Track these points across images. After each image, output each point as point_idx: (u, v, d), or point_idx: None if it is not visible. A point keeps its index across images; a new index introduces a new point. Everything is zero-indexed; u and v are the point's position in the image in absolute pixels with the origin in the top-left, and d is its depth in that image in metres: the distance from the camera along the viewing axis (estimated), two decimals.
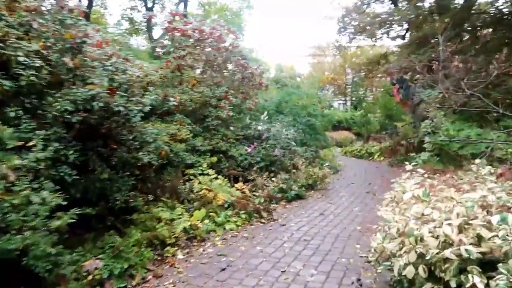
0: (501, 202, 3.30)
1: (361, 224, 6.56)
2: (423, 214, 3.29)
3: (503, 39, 10.87)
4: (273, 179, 8.67)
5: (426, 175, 4.83)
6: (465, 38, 12.81)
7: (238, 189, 7.08)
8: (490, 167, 5.74)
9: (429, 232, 2.99)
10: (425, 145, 8.44)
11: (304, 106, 14.83)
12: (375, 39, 25.06)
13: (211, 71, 9.72)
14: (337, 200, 8.51)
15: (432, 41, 11.36)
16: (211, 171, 7.06)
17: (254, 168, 8.64)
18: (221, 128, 8.83)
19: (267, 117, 11.65)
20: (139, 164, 5.02)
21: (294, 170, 9.57)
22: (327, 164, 12.56)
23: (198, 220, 5.60)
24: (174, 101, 6.94)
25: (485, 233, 2.79)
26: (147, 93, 5.52)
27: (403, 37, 21.35)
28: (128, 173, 4.90)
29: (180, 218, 5.35)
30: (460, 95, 7.90)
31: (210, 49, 9.44)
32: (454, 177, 5.65)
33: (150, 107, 5.22)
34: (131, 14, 24.87)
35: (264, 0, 58.22)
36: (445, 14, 12.62)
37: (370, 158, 16.90)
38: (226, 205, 6.44)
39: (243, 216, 6.39)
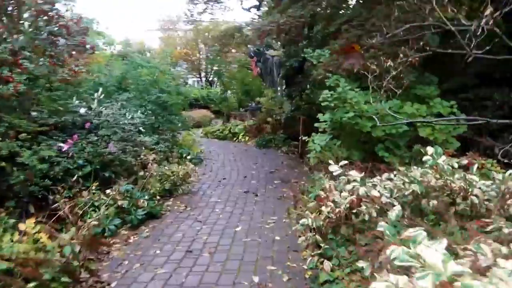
0: None
1: (258, 263, 3.74)
2: None
3: None
4: (107, 191, 5.25)
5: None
6: None
7: (25, 234, 3.51)
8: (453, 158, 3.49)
9: None
10: (318, 125, 6.02)
11: (154, 80, 11.35)
12: (228, 8, 22.59)
13: None
14: (208, 213, 5.55)
15: None
16: None
17: (75, 178, 5.09)
18: (8, 115, 4.94)
19: (102, 95, 7.88)
20: None
21: (142, 172, 6.26)
22: (188, 154, 9.49)
23: None
24: None
25: None
26: None
27: (258, 7, 19.26)
28: None
29: None
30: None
31: None
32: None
33: None
34: None
35: None
36: None
37: (235, 139, 14.42)
38: None
39: None
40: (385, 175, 3.70)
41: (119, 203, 5.09)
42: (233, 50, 27.29)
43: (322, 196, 3.53)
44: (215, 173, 8.39)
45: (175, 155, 9.43)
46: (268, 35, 8.41)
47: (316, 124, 6.23)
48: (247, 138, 14.01)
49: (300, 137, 10.07)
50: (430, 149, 3.58)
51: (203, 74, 32.03)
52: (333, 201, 3.23)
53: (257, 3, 19.52)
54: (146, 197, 5.68)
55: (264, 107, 14.24)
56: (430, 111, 5.16)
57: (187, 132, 11.14)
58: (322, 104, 5.35)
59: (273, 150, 11.69)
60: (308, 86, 12.44)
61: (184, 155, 9.53)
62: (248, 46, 19.46)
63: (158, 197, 6.18)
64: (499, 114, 6.05)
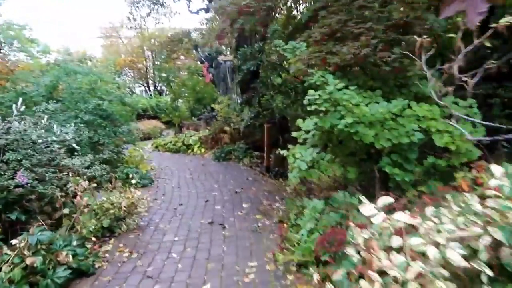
0: None
1: None
2: None
3: None
4: (14, 242, 3.55)
5: None
6: None
7: None
8: None
9: None
10: (296, 134, 4.69)
11: (92, 88, 9.54)
12: (173, 13, 20.97)
13: None
14: (162, 262, 3.98)
15: None
16: None
17: None
18: None
19: (23, 107, 6.03)
20: None
21: (67, 209, 4.55)
22: (135, 174, 7.80)
23: None
24: None
25: None
26: None
27: (207, 10, 17.85)
28: None
29: None
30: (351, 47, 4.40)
31: None
32: None
33: None
34: None
35: None
36: None
37: (189, 151, 12.78)
38: None
39: None
40: (430, 209, 2.40)
41: (29, 260, 3.40)
42: (182, 57, 25.61)
43: (356, 260, 2.12)
44: (169, 197, 6.77)
45: (119, 176, 7.72)
46: (231, 24, 6.92)
47: (294, 134, 4.86)
48: (203, 150, 12.45)
49: (265, 148, 8.73)
50: (496, 168, 2.35)
51: (151, 82, 29.92)
52: (381, 272, 1.87)
53: (205, 6, 18.15)
54: (74, 243, 4.02)
55: (220, 115, 12.77)
56: (442, 113, 4.03)
57: (133, 148, 9.38)
58: (308, 108, 4.03)
59: (234, 163, 10.24)
60: (266, 90, 11.20)
61: (130, 175, 7.84)
62: (198, 51, 17.96)
63: (93, 239, 4.52)
64: (505, 114, 5.07)
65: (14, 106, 5.80)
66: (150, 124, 19.91)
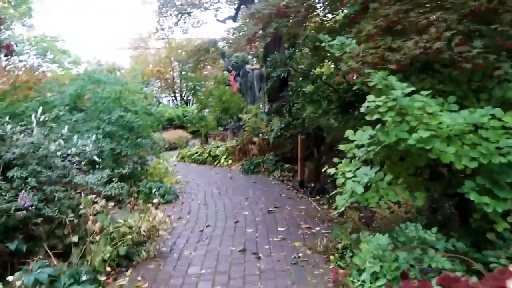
0: None
1: None
2: None
3: None
4: (10, 278, 2.91)
5: None
6: None
7: None
8: None
9: None
10: (343, 148, 3.86)
11: (117, 98, 9.03)
12: (201, 22, 20.58)
13: None
14: None
15: None
16: None
17: None
18: None
19: (45, 117, 5.53)
20: None
21: (76, 237, 3.88)
22: (159, 189, 7.15)
23: None
24: None
25: None
26: None
27: (234, 18, 17.36)
28: None
29: None
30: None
31: None
32: None
33: None
34: None
35: None
36: None
37: (216, 163, 12.10)
38: None
39: None
40: None
41: None
42: (209, 67, 25.24)
43: None
44: (195, 215, 6.05)
45: (142, 191, 7.10)
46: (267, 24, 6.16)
47: (341, 147, 4.02)
48: (230, 161, 11.74)
49: (298, 161, 7.92)
50: None
51: (178, 92, 29.72)
52: None
53: (233, 14, 17.64)
54: (84, 277, 3.34)
55: (248, 125, 12.06)
56: None
57: (157, 161, 8.76)
58: (368, 118, 3.23)
59: (263, 176, 9.46)
60: (297, 99, 10.42)
61: (154, 190, 7.20)
62: (226, 59, 17.42)
63: (108, 269, 3.84)
64: None
65: (33, 115, 5.32)
66: (176, 134, 19.46)
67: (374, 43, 3.74)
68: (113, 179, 5.00)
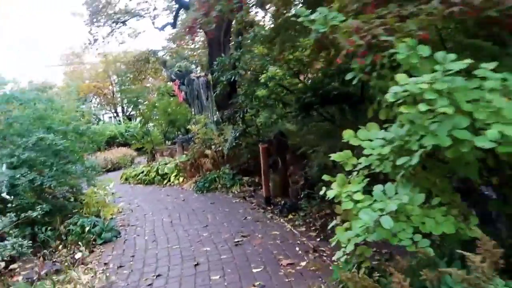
0: None
1: None
2: None
3: None
4: None
5: None
6: None
7: None
8: None
9: None
10: (336, 158, 2.61)
11: (38, 117, 7.27)
12: (136, 33, 18.83)
13: None
14: None
15: None
16: None
17: None
18: None
19: None
20: None
21: None
22: (94, 226, 5.55)
23: None
24: None
25: None
26: None
27: (173, 25, 15.88)
28: None
29: None
30: None
31: None
32: None
33: None
34: None
35: None
36: None
37: (166, 182, 10.50)
38: None
39: None
40: None
41: None
42: (151, 79, 23.38)
43: None
44: (141, 260, 4.53)
45: (73, 230, 5.47)
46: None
47: (334, 157, 2.78)
48: (181, 179, 10.21)
49: (262, 174, 6.67)
50: None
51: (119, 108, 27.38)
52: None
53: (172, 20, 16.16)
54: None
55: (198, 137, 10.62)
56: None
57: (91, 190, 7.08)
58: (402, 109, 2.05)
59: (220, 194, 8.08)
60: (250, 103, 9.20)
61: (87, 228, 5.56)
62: (167, 67, 15.87)
63: None
64: None
65: None
66: (119, 152, 17.47)
67: (375, 14, 2.59)
68: (12, 231, 3.41)
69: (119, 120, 26.10)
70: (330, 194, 2.62)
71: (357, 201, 2.44)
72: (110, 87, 25.71)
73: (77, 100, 22.95)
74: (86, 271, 3.85)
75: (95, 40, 17.62)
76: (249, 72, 9.34)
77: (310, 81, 8.19)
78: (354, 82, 2.96)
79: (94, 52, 23.35)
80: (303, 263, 3.83)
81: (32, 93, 7.99)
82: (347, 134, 2.58)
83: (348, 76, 3.14)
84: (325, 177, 2.80)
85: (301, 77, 8.38)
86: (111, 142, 20.51)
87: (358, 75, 2.91)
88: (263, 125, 9.56)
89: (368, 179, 2.60)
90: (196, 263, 4.15)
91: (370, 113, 2.94)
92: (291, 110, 8.25)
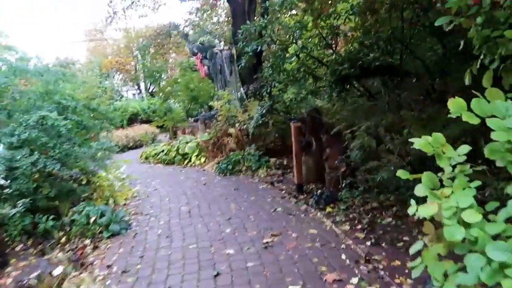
0: None
1: None
2: None
3: None
4: None
5: None
6: None
7: None
8: None
9: None
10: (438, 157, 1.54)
11: (47, 91, 6.54)
12: (157, 5, 17.80)
13: None
14: None
15: None
16: None
17: None
18: None
19: None
20: None
21: None
22: (101, 216, 4.78)
23: None
24: None
25: None
26: None
27: None
28: None
29: None
30: None
31: None
32: None
33: None
34: None
35: None
36: None
37: (186, 162, 9.70)
38: None
39: None
40: None
41: None
42: (173, 54, 22.47)
43: None
44: (151, 263, 3.70)
45: (78, 220, 4.73)
46: None
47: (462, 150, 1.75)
48: (203, 160, 9.37)
49: (294, 157, 5.69)
50: None
51: (142, 84, 26.73)
52: None
53: None
54: None
55: (221, 114, 9.69)
56: None
57: (100, 175, 6.29)
58: None
59: (245, 177, 7.18)
60: (278, 77, 8.10)
61: (93, 218, 4.78)
62: (189, 40, 14.87)
63: None
64: None
65: None
66: (141, 129, 16.82)
67: None
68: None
69: (142, 97, 25.49)
70: (423, 212, 1.57)
71: (468, 224, 1.42)
72: (132, 62, 25.00)
73: (99, 76, 22.40)
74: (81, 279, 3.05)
75: (115, 13, 16.74)
76: (277, 42, 8.23)
77: (342, 52, 7.04)
78: (449, 28, 1.93)
79: (116, 26, 22.54)
80: (355, 280, 2.87)
81: (44, 66, 7.20)
82: (454, 104, 1.53)
83: (439, 22, 2.08)
84: (401, 174, 1.74)
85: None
86: (133, 118, 19.96)
87: (455, 20, 1.88)
88: (291, 101, 8.52)
89: (476, 182, 1.56)
90: (216, 272, 3.26)
91: (486, 80, 1.88)
92: (323, 84, 7.15)
